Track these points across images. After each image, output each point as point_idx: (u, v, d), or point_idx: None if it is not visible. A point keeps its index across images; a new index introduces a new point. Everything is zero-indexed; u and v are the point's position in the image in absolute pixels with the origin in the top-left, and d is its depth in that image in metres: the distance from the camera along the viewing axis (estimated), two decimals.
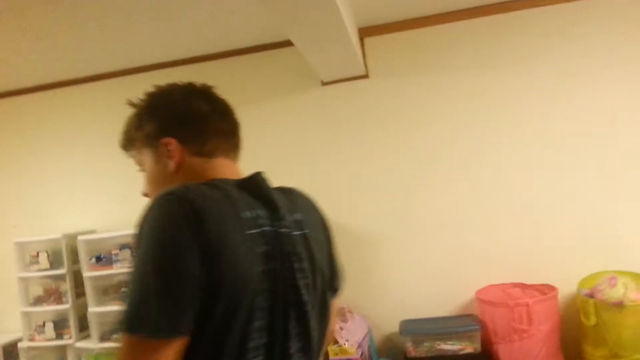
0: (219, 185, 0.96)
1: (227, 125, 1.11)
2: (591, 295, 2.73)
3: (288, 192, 1.11)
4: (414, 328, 2.98)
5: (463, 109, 3.12)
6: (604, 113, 2.98)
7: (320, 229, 1.14)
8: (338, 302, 1.21)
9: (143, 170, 1.11)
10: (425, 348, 2.91)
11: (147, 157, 1.09)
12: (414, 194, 3.19)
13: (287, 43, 3.17)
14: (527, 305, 2.71)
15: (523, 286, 3.01)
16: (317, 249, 1.06)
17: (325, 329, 1.10)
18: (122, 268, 3.03)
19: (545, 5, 3.02)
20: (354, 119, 3.24)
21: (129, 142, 1.13)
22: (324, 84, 3.26)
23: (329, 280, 1.12)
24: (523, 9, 3.04)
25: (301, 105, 3.30)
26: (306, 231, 1.05)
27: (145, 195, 1.11)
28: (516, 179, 3.07)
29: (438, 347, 2.90)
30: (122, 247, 3.05)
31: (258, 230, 0.94)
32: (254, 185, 1.02)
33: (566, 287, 2.92)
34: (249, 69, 3.35)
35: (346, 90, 3.25)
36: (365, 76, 3.22)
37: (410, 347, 2.92)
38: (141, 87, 1.15)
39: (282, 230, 0.99)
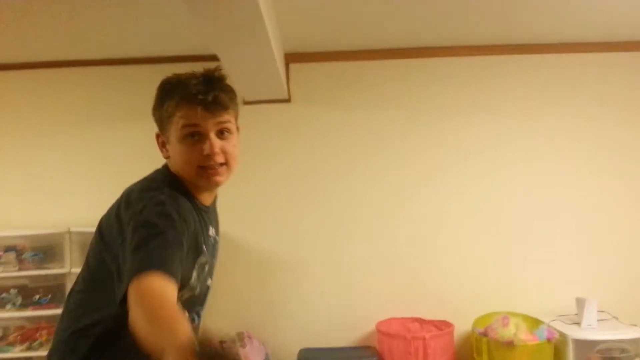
0: None
1: None
2: (485, 334, 2.82)
3: None
4: (312, 357, 2.93)
5: (363, 145, 3.22)
6: (512, 159, 3.19)
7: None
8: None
9: (224, 138, 1.17)
10: None
11: (235, 133, 1.21)
12: (322, 223, 3.19)
13: (209, 57, 3.12)
14: (424, 339, 2.75)
15: (422, 321, 3.07)
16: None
17: None
18: None
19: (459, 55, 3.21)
20: (273, 141, 3.22)
21: (233, 105, 1.20)
22: (246, 102, 3.22)
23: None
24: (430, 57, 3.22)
25: None
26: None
27: (223, 163, 1.17)
28: (423, 220, 3.18)
29: None
30: None
31: None
32: None
33: (462, 325, 3.00)
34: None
35: (267, 112, 3.23)
36: (288, 100, 3.23)
37: None
38: None
39: None
